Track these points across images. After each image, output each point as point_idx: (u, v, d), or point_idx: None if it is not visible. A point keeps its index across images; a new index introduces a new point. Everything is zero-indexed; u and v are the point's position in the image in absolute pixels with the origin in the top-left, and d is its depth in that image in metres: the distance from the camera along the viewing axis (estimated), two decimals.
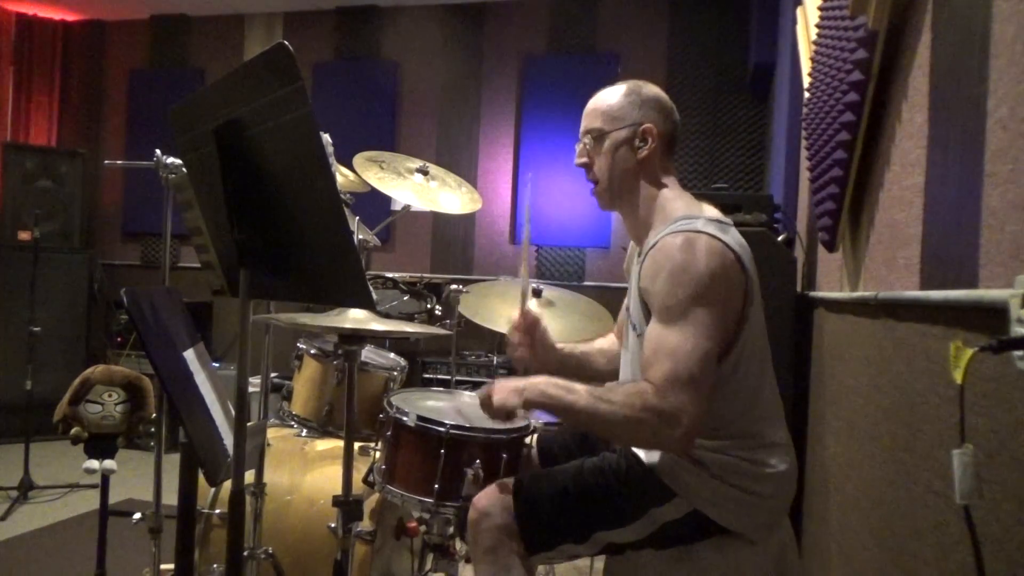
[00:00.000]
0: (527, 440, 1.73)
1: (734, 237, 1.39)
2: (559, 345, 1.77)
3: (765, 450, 1.41)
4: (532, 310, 1.76)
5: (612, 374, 1.72)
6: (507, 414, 1.45)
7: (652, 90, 1.55)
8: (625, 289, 1.68)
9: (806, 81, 2.03)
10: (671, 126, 1.54)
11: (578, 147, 1.58)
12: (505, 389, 1.43)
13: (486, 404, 1.47)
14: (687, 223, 1.38)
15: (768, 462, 1.40)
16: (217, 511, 2.07)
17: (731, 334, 1.36)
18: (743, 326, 1.37)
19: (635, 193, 1.52)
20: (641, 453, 1.45)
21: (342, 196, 1.25)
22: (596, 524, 1.42)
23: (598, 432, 1.52)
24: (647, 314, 1.40)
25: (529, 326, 1.72)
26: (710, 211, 1.46)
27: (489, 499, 1.46)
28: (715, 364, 1.32)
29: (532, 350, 1.72)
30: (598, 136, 1.52)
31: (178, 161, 1.82)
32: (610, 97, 1.54)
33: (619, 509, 1.42)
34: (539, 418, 1.86)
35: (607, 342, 1.83)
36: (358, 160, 2.45)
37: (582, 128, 1.56)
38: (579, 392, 1.36)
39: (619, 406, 1.30)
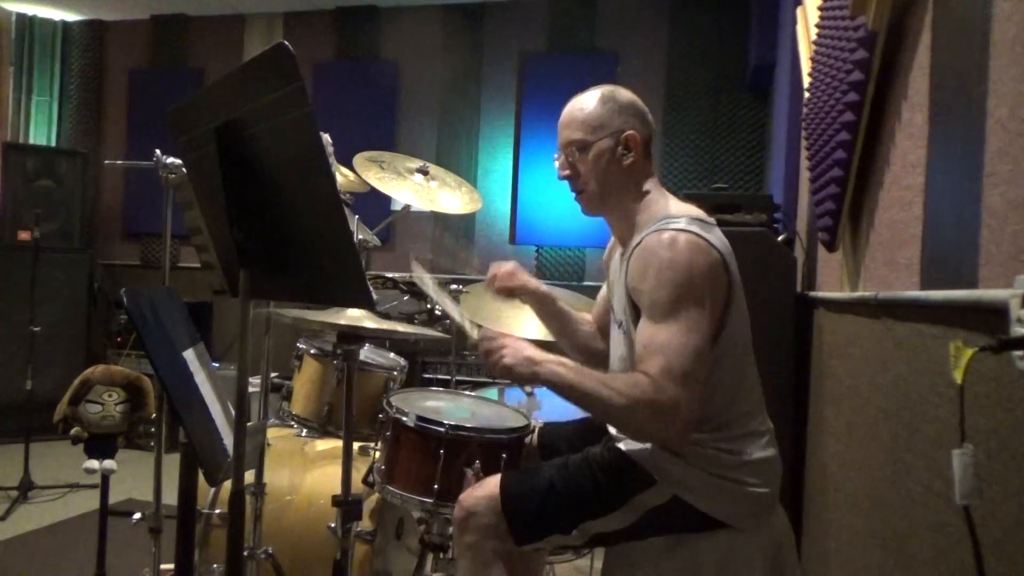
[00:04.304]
0: (527, 440, 1.73)
1: (717, 236, 1.42)
2: (544, 289, 1.80)
3: (744, 439, 1.43)
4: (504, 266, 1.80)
5: (589, 338, 1.79)
6: (508, 375, 1.42)
7: (627, 95, 1.56)
8: None
9: (806, 81, 2.03)
10: (648, 129, 1.55)
11: (559, 160, 1.57)
12: (520, 354, 1.42)
13: (492, 352, 1.44)
14: (670, 222, 1.41)
15: (746, 451, 1.41)
16: (217, 511, 2.07)
17: (715, 330, 1.38)
18: (725, 322, 1.40)
19: (622, 199, 1.53)
20: (621, 444, 1.47)
21: (342, 196, 1.25)
22: (581, 514, 1.44)
23: (600, 417, 1.51)
24: (634, 311, 1.42)
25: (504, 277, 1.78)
26: (693, 210, 1.48)
27: (475, 498, 1.48)
28: (707, 358, 1.34)
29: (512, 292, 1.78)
30: (582, 147, 1.52)
31: (178, 161, 1.82)
32: (587, 106, 1.53)
33: (602, 498, 1.43)
34: (541, 419, 1.86)
35: (589, 316, 1.88)
36: (358, 160, 2.45)
37: (562, 140, 1.55)
38: (586, 374, 1.37)
39: (618, 394, 1.31)
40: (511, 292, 1.79)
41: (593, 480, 1.45)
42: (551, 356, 1.43)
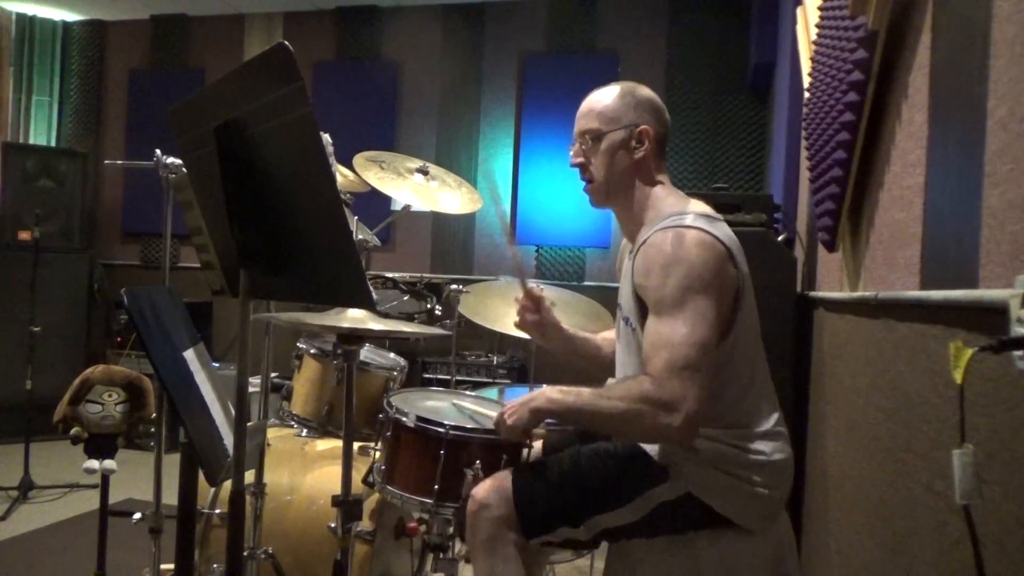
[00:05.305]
0: (527, 442, 1.73)
1: (723, 231, 1.42)
2: (564, 326, 1.81)
3: (756, 439, 1.42)
4: (536, 288, 1.81)
5: (613, 358, 1.75)
6: (523, 431, 1.48)
7: (646, 92, 1.58)
8: None
9: (806, 81, 2.03)
10: (664, 127, 1.57)
11: (573, 147, 1.60)
12: (514, 406, 1.47)
13: (501, 425, 1.51)
14: (677, 218, 1.41)
15: (760, 451, 1.41)
16: (217, 511, 2.07)
17: (724, 325, 1.38)
18: (735, 317, 1.40)
19: (630, 192, 1.55)
20: None
21: (342, 196, 1.25)
22: (592, 507, 1.44)
23: (604, 431, 1.54)
24: (641, 308, 1.43)
25: (535, 300, 1.78)
26: (700, 207, 1.49)
27: (487, 491, 1.48)
28: (714, 352, 1.33)
29: (540, 326, 1.78)
30: (596, 136, 1.54)
31: (178, 161, 1.82)
32: (605, 98, 1.56)
33: (614, 490, 1.43)
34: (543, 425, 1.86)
35: (610, 333, 1.86)
36: (358, 160, 2.45)
37: (577, 128, 1.58)
38: (582, 393, 1.39)
39: (618, 399, 1.32)
40: (535, 305, 1.78)
41: (605, 472, 1.45)
42: (544, 388, 1.48)
